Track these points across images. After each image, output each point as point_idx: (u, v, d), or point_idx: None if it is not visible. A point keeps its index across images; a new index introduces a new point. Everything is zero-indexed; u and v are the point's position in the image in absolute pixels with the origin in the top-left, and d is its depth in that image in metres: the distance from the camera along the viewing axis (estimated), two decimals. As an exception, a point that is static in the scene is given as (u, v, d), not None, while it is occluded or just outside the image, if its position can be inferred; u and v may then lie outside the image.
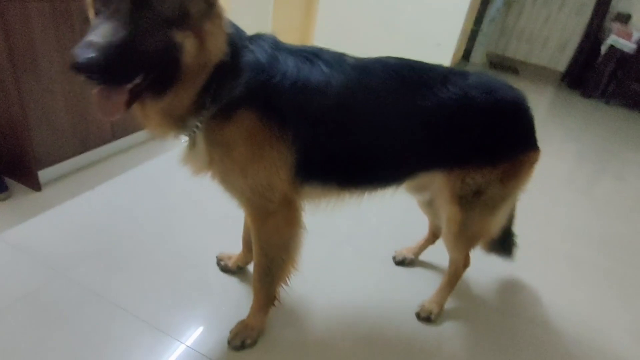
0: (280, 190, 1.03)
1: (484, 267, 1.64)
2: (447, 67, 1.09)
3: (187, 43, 0.80)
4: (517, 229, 1.56)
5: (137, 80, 0.79)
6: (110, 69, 0.71)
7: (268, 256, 1.13)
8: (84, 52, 0.68)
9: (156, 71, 0.80)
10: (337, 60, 1.01)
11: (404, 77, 1.02)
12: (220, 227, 1.72)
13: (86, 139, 1.84)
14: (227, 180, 1.03)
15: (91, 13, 0.81)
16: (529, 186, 1.24)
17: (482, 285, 1.65)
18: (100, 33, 0.71)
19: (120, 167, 1.98)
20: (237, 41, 0.92)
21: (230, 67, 0.90)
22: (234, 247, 1.51)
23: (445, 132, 1.07)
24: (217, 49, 0.86)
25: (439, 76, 1.04)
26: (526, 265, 1.79)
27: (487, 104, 1.05)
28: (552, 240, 2.04)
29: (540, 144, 1.18)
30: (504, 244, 1.52)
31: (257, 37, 0.99)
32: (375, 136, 1.04)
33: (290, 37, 4.64)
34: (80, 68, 0.68)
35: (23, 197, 1.66)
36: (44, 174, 1.72)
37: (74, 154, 1.82)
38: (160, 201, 1.81)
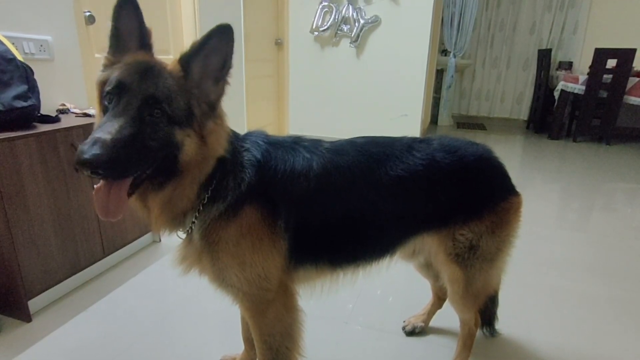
0: (276, 278, 1.02)
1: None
2: (411, 137, 1.17)
3: (187, 141, 0.85)
4: (517, 273, 1.53)
5: (137, 173, 0.81)
6: (114, 164, 0.73)
7: (272, 348, 1.08)
8: (91, 149, 0.70)
9: (155, 165, 0.83)
10: (314, 145, 1.08)
11: (371, 152, 1.09)
12: (222, 327, 1.64)
13: (76, 260, 1.82)
14: (222, 277, 1.00)
15: (97, 109, 0.86)
16: (521, 231, 1.25)
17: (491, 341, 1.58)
18: (107, 130, 0.74)
19: (112, 282, 1.94)
20: (235, 141, 0.98)
21: (232, 166, 0.95)
22: (237, 346, 1.43)
23: (420, 195, 1.11)
24: (218, 146, 0.91)
25: (403, 146, 1.12)
26: (535, 307, 1.73)
27: (453, 162, 1.11)
28: (554, 279, 2.00)
29: (523, 189, 1.22)
30: (483, 316, 1.47)
31: (249, 135, 1.05)
32: (355, 211, 1.07)
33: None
34: (86, 164, 0.70)
35: (13, 331, 1.58)
36: (33, 303, 1.66)
37: (64, 277, 1.78)
38: (156, 310, 1.74)
